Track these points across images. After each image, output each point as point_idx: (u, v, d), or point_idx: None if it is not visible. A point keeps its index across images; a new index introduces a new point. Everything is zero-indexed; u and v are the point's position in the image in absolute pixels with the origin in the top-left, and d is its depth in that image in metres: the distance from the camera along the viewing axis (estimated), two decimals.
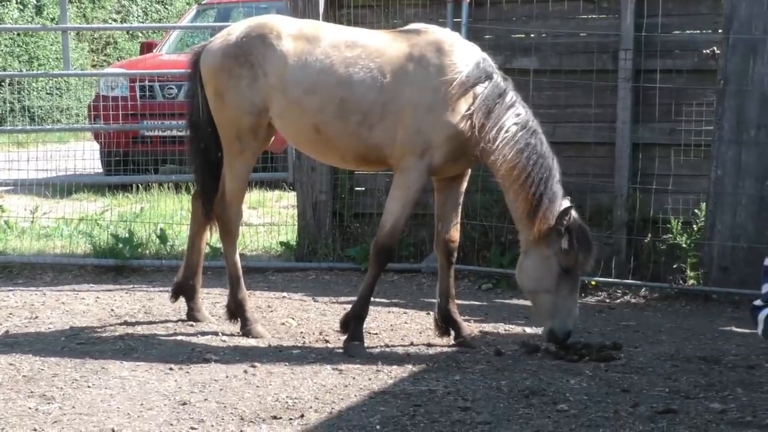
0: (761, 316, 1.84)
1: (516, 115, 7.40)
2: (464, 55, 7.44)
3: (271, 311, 8.69)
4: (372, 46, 7.56)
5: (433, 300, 8.81)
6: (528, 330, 8.13)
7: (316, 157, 8.40)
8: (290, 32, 7.68)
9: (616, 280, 9.29)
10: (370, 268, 7.61)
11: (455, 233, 7.78)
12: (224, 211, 8.05)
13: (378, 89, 7.42)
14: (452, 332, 7.75)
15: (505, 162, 7.30)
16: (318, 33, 7.71)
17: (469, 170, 7.85)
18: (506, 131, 7.30)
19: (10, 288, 9.64)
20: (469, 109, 7.33)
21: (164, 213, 11.90)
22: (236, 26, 8.01)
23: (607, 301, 9.16)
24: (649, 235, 9.28)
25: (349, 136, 7.53)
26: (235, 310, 8.03)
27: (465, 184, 7.85)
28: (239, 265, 8.15)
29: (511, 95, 7.46)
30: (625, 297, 9.22)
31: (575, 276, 7.29)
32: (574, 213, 7.26)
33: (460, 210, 7.85)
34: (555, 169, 7.34)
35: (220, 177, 8.05)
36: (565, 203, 7.30)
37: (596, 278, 9.23)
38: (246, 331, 7.89)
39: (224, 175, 8.00)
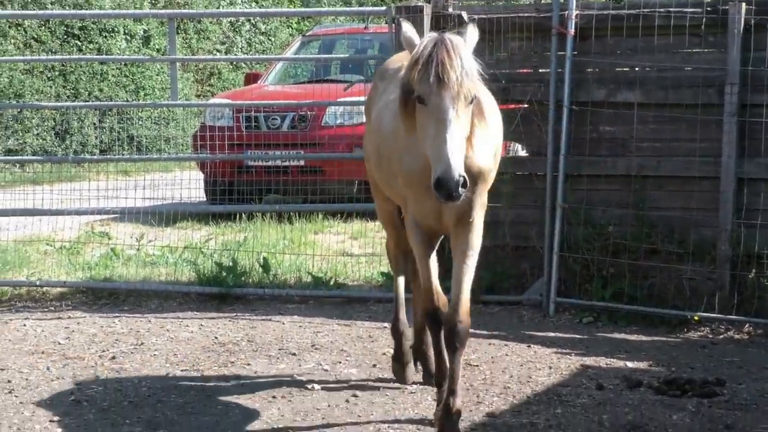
0: None
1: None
2: None
3: (373, 341, 8.73)
4: None
5: (535, 333, 8.85)
6: (629, 364, 8.06)
7: None
8: (393, 66, 7.28)
9: (719, 315, 9.17)
10: None
11: (454, 309, 6.32)
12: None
13: (395, 134, 6.41)
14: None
15: None
16: (399, 68, 6.82)
17: (472, 222, 6.31)
18: None
19: (117, 314, 9.81)
20: None
21: (267, 242, 12.02)
22: None
23: (710, 336, 9.04)
24: (754, 270, 9.16)
25: (387, 187, 6.93)
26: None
27: (467, 241, 6.32)
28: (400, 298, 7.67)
29: None
30: (729, 333, 9.10)
31: (430, 107, 5.70)
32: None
33: (463, 279, 6.33)
34: None
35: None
36: None
37: (699, 313, 9.14)
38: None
39: None
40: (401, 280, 7.66)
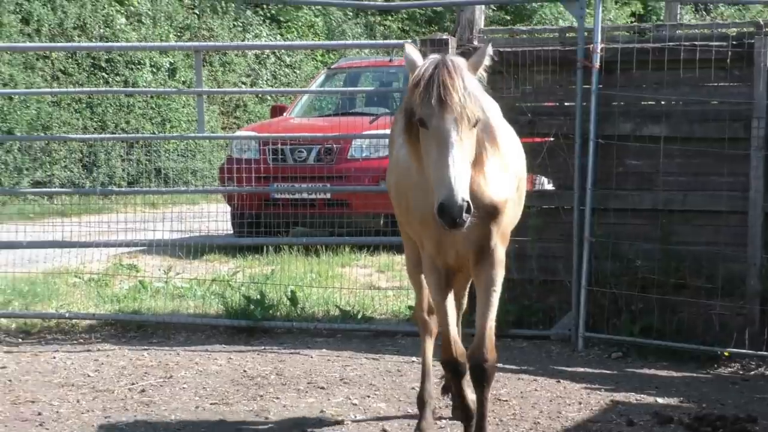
0: None
1: None
2: None
3: (401, 375, 8.74)
4: None
5: (564, 367, 8.82)
6: (660, 400, 8.04)
7: None
8: None
9: (749, 351, 9.12)
10: None
11: (479, 346, 6.20)
12: None
13: (409, 170, 6.15)
14: None
15: None
16: None
17: (492, 256, 6.15)
18: None
19: (146, 347, 9.85)
20: None
21: (294, 275, 12.06)
22: None
23: (741, 372, 9.00)
24: None
25: (406, 223, 6.68)
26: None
27: (489, 277, 6.17)
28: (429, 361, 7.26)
29: None
30: (760, 369, 9.05)
31: (432, 130, 5.49)
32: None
33: (487, 315, 6.19)
34: None
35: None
36: None
37: (730, 349, 9.10)
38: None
39: None
40: (429, 346, 7.26)
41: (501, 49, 10.06)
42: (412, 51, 5.90)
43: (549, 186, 10.66)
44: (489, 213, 5.94)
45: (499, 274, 6.18)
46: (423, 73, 5.56)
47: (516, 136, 6.78)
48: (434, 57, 5.66)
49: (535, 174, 10.66)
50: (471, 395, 6.47)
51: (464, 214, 5.27)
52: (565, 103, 10.06)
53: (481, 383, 6.19)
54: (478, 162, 5.75)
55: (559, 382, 8.50)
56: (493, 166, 5.92)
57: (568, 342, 9.67)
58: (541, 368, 8.98)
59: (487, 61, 5.78)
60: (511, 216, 6.37)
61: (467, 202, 5.27)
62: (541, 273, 9.94)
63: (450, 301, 6.38)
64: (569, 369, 8.95)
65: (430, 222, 5.80)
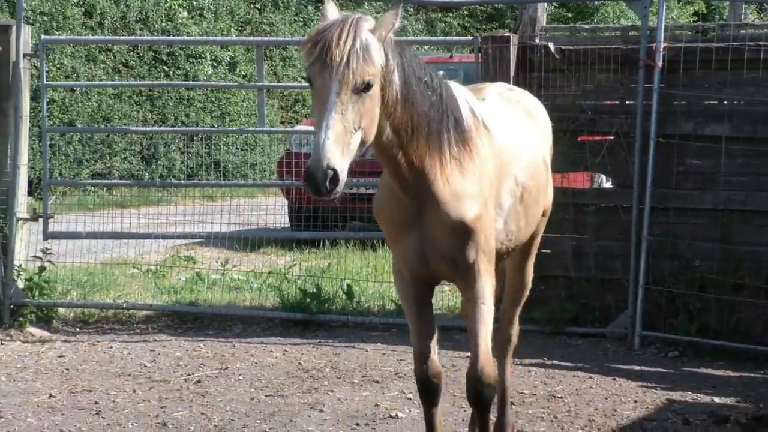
0: None
1: None
2: None
3: (456, 370, 8.71)
4: None
5: (620, 366, 8.77)
6: (716, 400, 7.98)
7: None
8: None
9: None
10: None
11: (473, 365, 5.63)
12: None
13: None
14: None
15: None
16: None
17: (473, 269, 5.52)
18: None
19: (201, 338, 9.90)
20: None
21: (351, 269, 12.07)
22: None
23: None
24: None
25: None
26: None
27: (473, 290, 5.54)
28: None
29: None
30: None
31: (315, 90, 4.89)
32: None
33: (477, 331, 5.58)
34: None
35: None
36: None
37: None
38: None
39: None
40: None
41: (563, 47, 10.03)
42: (330, 7, 5.13)
43: (607, 184, 10.60)
44: (458, 230, 5.42)
45: (486, 287, 5.55)
46: (319, 29, 4.98)
47: (532, 140, 6.31)
48: (344, 14, 5.05)
49: (594, 172, 10.60)
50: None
51: (328, 184, 4.68)
52: (626, 102, 10.00)
53: (480, 406, 5.68)
54: (440, 161, 5.32)
55: (614, 380, 8.46)
56: (463, 179, 5.42)
57: (625, 340, 9.60)
58: (596, 366, 8.94)
59: (397, 24, 5.04)
60: (519, 227, 5.98)
61: (333, 170, 4.68)
62: (598, 271, 9.89)
63: (423, 314, 5.80)
64: (625, 367, 8.91)
65: (396, 220, 5.58)
